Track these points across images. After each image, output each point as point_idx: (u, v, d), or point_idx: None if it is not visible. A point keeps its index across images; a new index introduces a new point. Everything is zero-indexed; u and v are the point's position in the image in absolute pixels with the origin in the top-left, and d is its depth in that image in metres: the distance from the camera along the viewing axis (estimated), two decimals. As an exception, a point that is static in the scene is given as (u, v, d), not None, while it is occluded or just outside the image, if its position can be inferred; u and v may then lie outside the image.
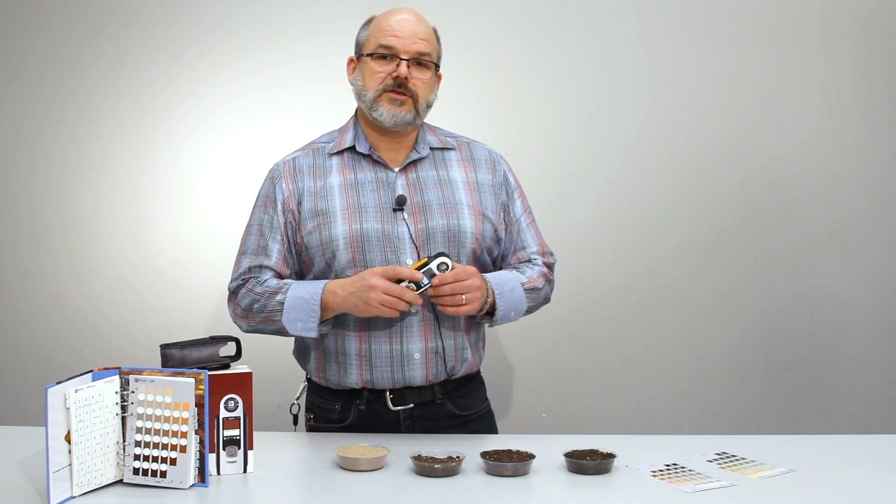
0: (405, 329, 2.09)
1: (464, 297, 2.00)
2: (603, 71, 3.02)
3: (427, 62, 2.12)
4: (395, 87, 2.09)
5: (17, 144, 3.07)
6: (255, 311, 2.10)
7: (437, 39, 2.18)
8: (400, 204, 2.10)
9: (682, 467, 1.81)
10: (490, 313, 2.12)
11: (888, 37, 3.00)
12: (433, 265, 1.98)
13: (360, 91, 2.14)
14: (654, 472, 1.78)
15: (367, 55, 2.12)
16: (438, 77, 2.19)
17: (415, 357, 2.10)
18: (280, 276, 2.14)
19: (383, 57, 2.10)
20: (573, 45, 3.02)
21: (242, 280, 2.14)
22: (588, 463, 1.76)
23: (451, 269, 1.99)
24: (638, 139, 3.02)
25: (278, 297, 2.07)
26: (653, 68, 3.02)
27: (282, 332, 2.10)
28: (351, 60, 2.20)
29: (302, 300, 2.04)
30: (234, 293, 2.15)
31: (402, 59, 2.08)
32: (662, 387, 3.03)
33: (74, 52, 3.05)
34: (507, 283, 2.13)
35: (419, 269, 1.98)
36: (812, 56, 3.01)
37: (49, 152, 3.06)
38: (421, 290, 1.97)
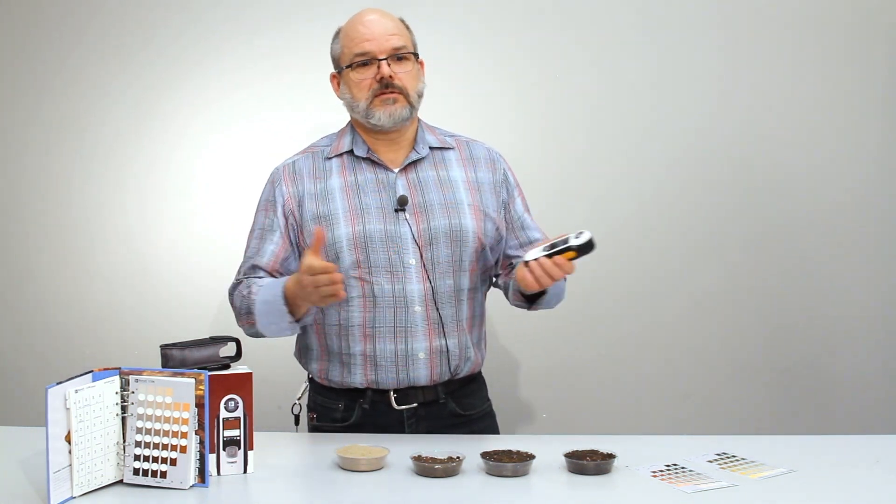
0: (410, 329, 2.09)
1: (551, 285, 1.98)
2: (602, 70, 3.01)
3: (405, 54, 2.12)
4: (383, 89, 2.09)
5: (14, 144, 3.07)
6: (244, 314, 2.10)
7: (408, 28, 2.18)
8: (401, 204, 2.10)
9: (682, 467, 1.81)
10: (535, 297, 2.12)
11: (886, 34, 3.00)
12: (584, 239, 1.92)
13: (351, 103, 2.15)
14: (654, 472, 1.78)
15: (347, 67, 2.13)
16: (421, 64, 2.19)
17: (419, 357, 2.10)
18: (270, 275, 2.14)
19: (363, 64, 2.11)
20: (573, 45, 3.01)
21: (237, 281, 2.16)
22: (588, 463, 1.76)
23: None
24: (636, 138, 3.01)
25: (252, 299, 2.06)
26: (651, 67, 3.01)
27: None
28: (333, 77, 2.20)
29: (269, 304, 2.04)
30: (230, 294, 2.16)
31: (380, 60, 2.09)
32: (662, 387, 3.03)
33: (66, 52, 3.04)
34: None
35: (554, 245, 1.94)
36: (810, 53, 3.00)
37: (47, 153, 3.06)
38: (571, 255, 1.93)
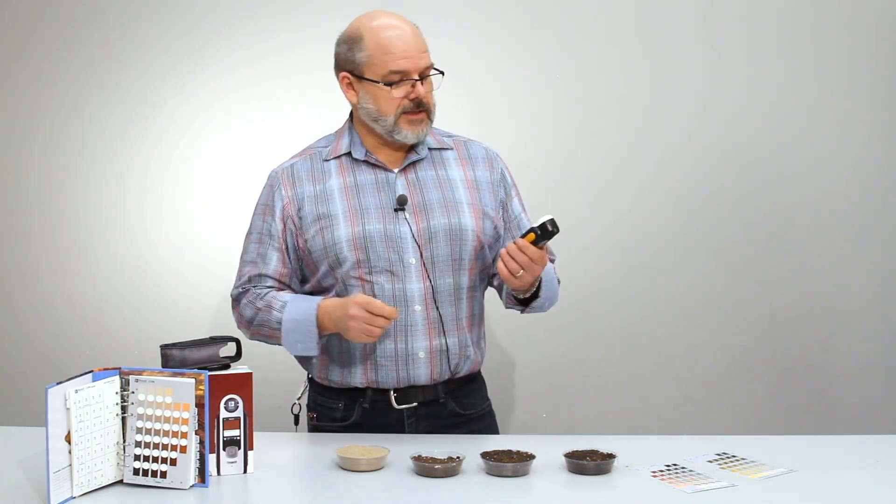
0: (409, 328, 2.10)
1: (521, 271, 1.96)
2: (598, 71, 3.01)
3: (433, 72, 2.11)
4: (414, 108, 2.08)
5: (14, 145, 3.07)
6: (256, 325, 2.13)
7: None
8: (401, 203, 2.10)
9: (682, 468, 1.81)
10: (528, 300, 2.13)
11: (874, 29, 2.98)
12: (543, 220, 1.93)
13: (374, 115, 2.10)
14: (654, 472, 1.78)
15: (385, 84, 2.07)
16: None
17: (419, 356, 2.10)
18: (280, 283, 2.15)
19: (395, 81, 2.07)
20: (572, 46, 3.01)
21: (243, 289, 2.16)
22: (588, 463, 1.76)
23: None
24: (642, 143, 3.01)
25: (275, 315, 2.09)
26: (653, 72, 3.01)
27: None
28: (344, 77, 2.13)
29: (298, 322, 2.06)
30: (236, 301, 2.17)
31: (416, 80, 2.07)
32: (662, 387, 3.03)
33: (68, 52, 3.04)
34: (548, 272, 2.13)
35: (526, 238, 1.95)
36: (816, 59, 3.00)
37: (47, 152, 3.06)
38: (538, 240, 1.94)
